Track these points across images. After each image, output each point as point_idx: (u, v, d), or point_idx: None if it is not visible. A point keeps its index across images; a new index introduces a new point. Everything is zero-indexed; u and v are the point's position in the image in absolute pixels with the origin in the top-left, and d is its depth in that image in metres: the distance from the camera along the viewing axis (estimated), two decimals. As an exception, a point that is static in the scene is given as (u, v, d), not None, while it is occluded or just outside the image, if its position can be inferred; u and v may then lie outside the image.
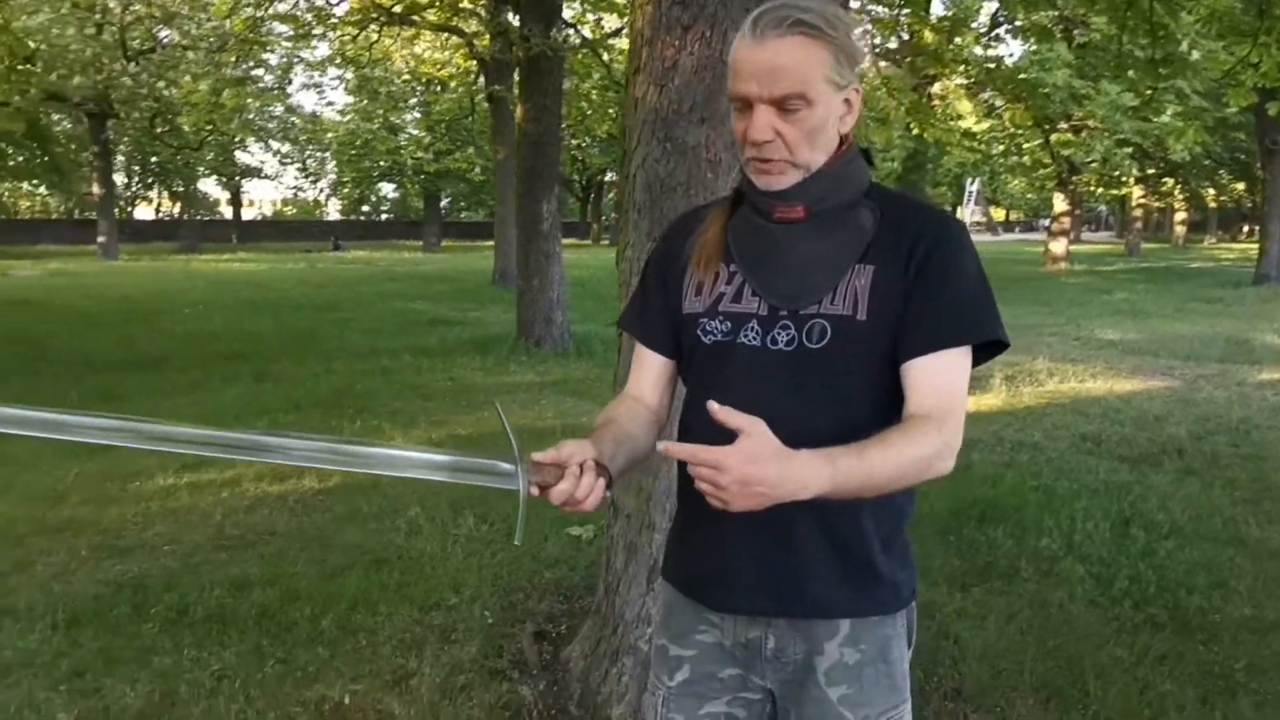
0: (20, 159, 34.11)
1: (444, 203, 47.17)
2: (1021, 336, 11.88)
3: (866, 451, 1.22)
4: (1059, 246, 28.95)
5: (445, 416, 7.44)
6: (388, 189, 52.20)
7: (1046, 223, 42.05)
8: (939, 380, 1.32)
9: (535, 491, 1.27)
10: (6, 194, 47.58)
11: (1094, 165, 28.17)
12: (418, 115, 37.63)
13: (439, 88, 31.46)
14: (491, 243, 23.15)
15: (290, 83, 38.35)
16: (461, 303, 16.23)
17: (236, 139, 37.84)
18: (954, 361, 1.33)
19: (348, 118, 37.52)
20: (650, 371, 1.53)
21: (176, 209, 53.30)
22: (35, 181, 40.36)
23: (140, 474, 5.73)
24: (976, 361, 1.37)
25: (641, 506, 3.01)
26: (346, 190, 49.60)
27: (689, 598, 1.51)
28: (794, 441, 1.18)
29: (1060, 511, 4.99)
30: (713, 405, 1.17)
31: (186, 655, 3.39)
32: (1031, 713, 3.04)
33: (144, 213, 53.21)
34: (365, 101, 35.25)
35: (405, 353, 10.52)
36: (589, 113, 28.15)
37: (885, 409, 1.36)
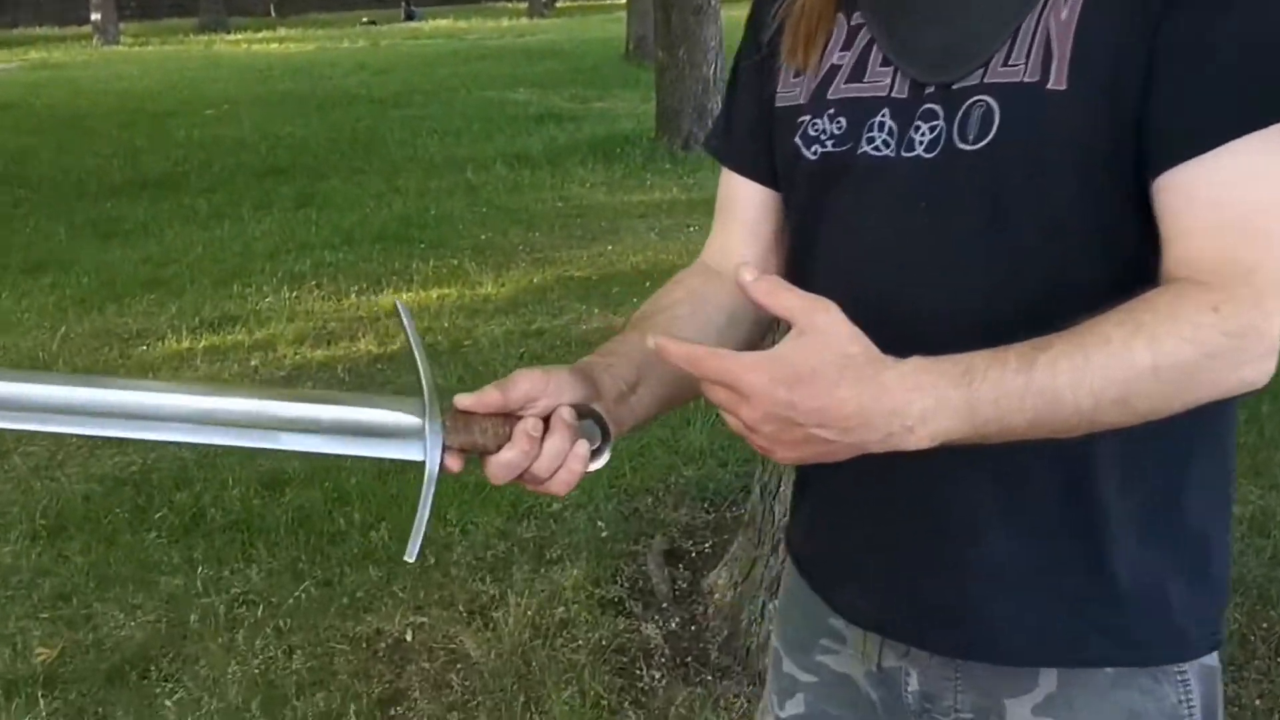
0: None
1: (558, -55, 46.65)
2: None
3: (1050, 352, 1.00)
4: None
5: (552, 252, 7.52)
6: (478, -71, 51.82)
7: None
8: (1229, 203, 1.05)
9: (455, 465, 1.10)
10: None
11: None
12: None
13: None
14: (623, 0, 22.87)
15: None
16: (579, 88, 16.16)
17: None
18: (1258, 166, 1.05)
19: None
20: (742, 213, 1.41)
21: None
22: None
23: (146, 335, 6.07)
24: None
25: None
26: (421, -66, 49.63)
27: (813, 589, 1.37)
28: (933, 337, 1.03)
29: None
30: (742, 277, 1.01)
31: (201, 574, 3.61)
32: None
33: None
34: None
35: (499, 162, 10.63)
36: None
37: (1107, 271, 1.12)
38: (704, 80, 10.57)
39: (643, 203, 9.04)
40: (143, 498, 4.15)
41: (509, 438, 1.11)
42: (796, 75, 1.29)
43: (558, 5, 39.74)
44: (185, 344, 5.89)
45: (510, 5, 43.54)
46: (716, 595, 3.32)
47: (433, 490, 1.09)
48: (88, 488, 4.26)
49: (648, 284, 6.57)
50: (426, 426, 1.10)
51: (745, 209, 1.40)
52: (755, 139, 1.37)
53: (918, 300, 1.15)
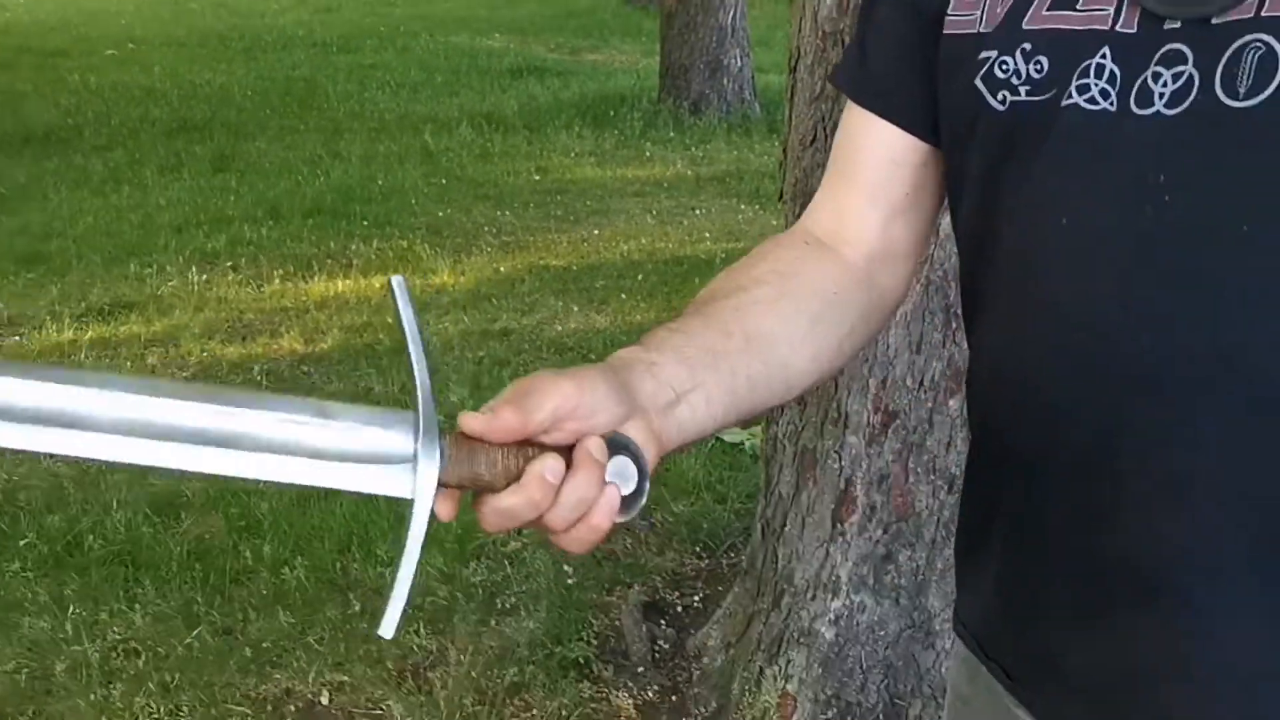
0: None
1: None
2: None
3: None
4: None
5: (525, 235, 7.55)
6: None
7: None
8: None
9: (448, 512, 1.00)
10: None
11: None
12: None
13: None
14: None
15: None
16: (567, 37, 16.21)
17: None
18: None
19: None
20: (869, 168, 1.33)
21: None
22: None
23: (20, 322, 6.09)
24: None
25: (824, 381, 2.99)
26: None
27: (1001, 683, 1.27)
28: (1196, 406, 0.99)
29: None
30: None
31: (72, 615, 3.61)
32: None
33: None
34: None
35: (464, 124, 10.67)
36: None
37: None
38: (720, 29, 10.65)
39: (639, 178, 9.09)
40: (5, 520, 4.15)
41: (519, 474, 1.00)
42: None
43: (547, -66, 39.77)
44: (68, 334, 5.91)
45: (488, -67, 43.61)
46: (705, 658, 3.34)
47: (423, 538, 0.97)
48: (-63, 506, 4.28)
49: (640, 277, 6.61)
50: (419, 453, 0.99)
51: (874, 162, 1.33)
52: (899, 70, 1.30)
53: (1157, 329, 1.03)
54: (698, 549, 3.99)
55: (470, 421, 1.00)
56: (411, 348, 1.01)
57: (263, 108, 11.49)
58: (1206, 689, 1.08)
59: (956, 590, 1.41)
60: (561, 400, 1.01)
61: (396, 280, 1.04)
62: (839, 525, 3.01)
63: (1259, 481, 1.01)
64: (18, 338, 5.91)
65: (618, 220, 7.87)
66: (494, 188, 8.70)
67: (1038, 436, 1.12)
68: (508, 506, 0.99)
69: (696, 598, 3.70)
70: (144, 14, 18.89)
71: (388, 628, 0.96)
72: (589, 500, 1.01)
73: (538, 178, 9.04)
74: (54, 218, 7.85)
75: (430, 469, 0.97)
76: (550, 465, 0.99)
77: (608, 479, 1.02)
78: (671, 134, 10.27)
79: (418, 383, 1.00)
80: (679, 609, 3.65)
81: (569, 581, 3.79)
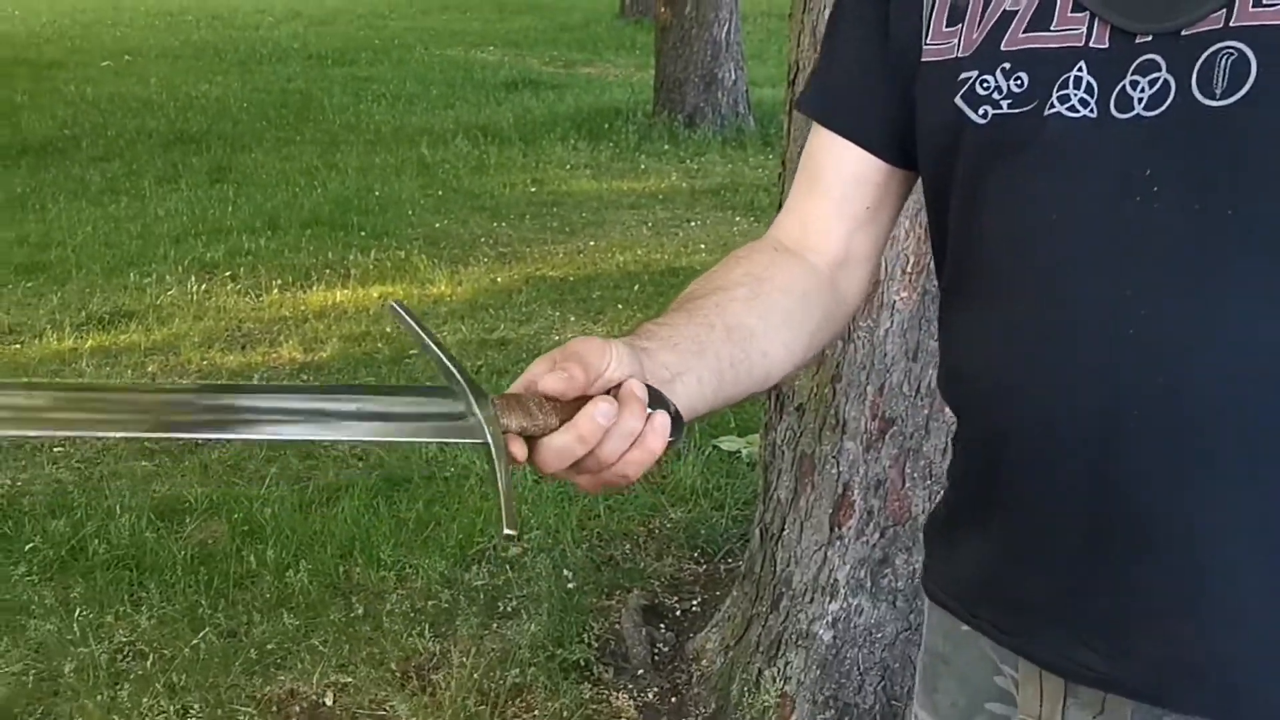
0: None
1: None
2: None
3: None
4: None
5: (521, 246, 7.60)
6: None
7: None
8: None
9: (520, 452, 1.11)
10: None
11: None
12: None
13: None
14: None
15: None
16: (562, 50, 16.31)
17: None
18: None
19: None
20: (834, 183, 1.43)
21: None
22: None
23: (20, 330, 6.14)
24: None
25: (821, 389, 3.03)
26: None
27: (991, 638, 1.37)
28: (1192, 366, 1.09)
29: None
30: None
31: (78, 618, 3.64)
32: None
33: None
34: None
35: (460, 136, 10.74)
36: None
37: None
38: (715, 43, 10.71)
39: (634, 190, 9.15)
40: (9, 525, 4.19)
41: (559, 421, 1.11)
42: (952, 23, 1.27)
43: (540, -52, 39.78)
44: (68, 342, 5.96)
45: (481, -55, 43.59)
46: (704, 661, 3.37)
47: (507, 473, 1.08)
48: (-57, 510, 4.32)
49: (636, 288, 6.66)
50: (474, 410, 1.10)
51: (838, 177, 1.43)
52: (862, 94, 1.40)
53: (1148, 307, 1.11)
54: (695, 555, 4.03)
55: (550, 382, 1.11)
56: (432, 349, 1.14)
57: (259, 119, 11.55)
58: (1208, 621, 1.17)
59: (928, 561, 1.49)
60: (586, 361, 1.12)
61: (396, 304, 1.19)
62: (836, 529, 3.05)
63: (1257, 452, 1.11)
64: (18, 345, 5.95)
65: (613, 232, 7.93)
66: (490, 199, 8.75)
67: (1037, 418, 1.19)
68: (562, 444, 1.10)
69: (695, 602, 3.74)
70: (139, 26, 18.98)
71: (510, 525, 1.08)
72: (635, 431, 1.11)
73: (533, 190, 9.10)
74: (53, 228, 7.89)
75: (489, 412, 1.09)
76: (604, 406, 1.10)
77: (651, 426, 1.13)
78: (666, 147, 10.33)
79: (453, 368, 1.12)
80: (678, 613, 3.69)
81: (569, 586, 3.83)
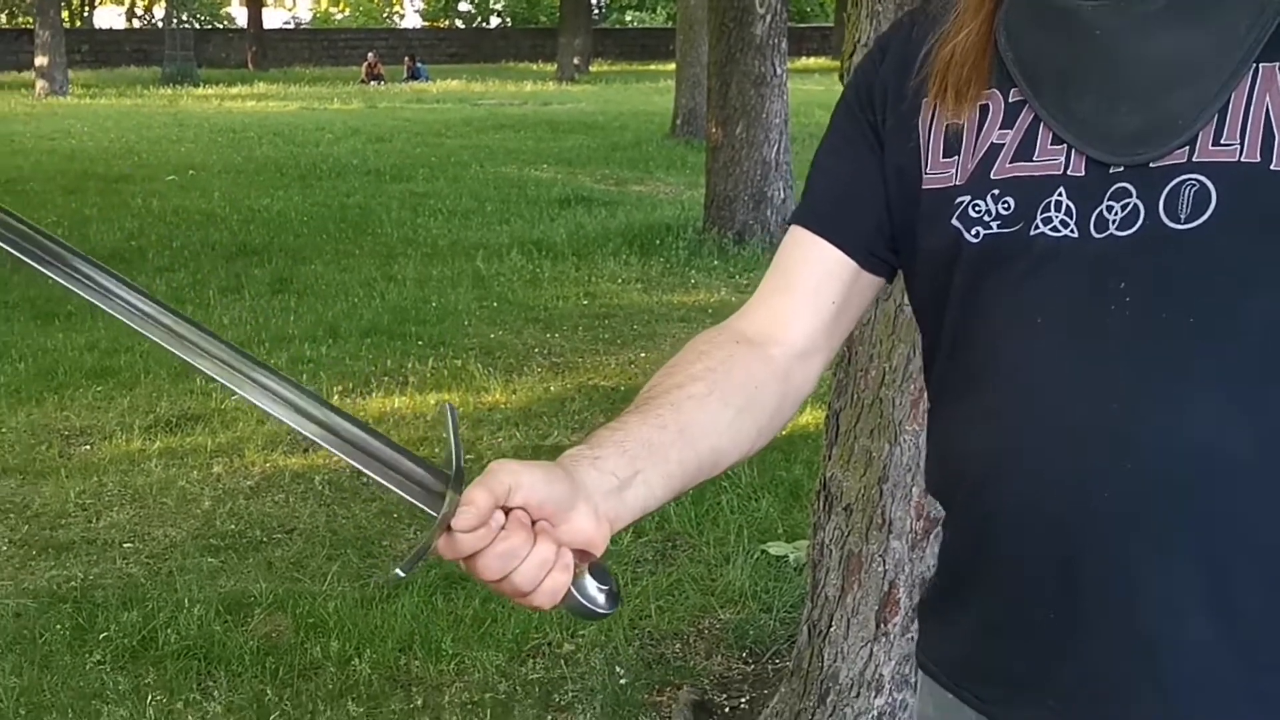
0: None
1: (595, -2, 47.62)
2: None
3: None
4: None
5: (574, 357, 7.75)
6: (500, -24, 53.03)
7: None
8: None
9: (440, 546, 1.22)
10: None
11: None
12: None
13: None
14: (672, 65, 23.29)
15: None
16: (614, 168, 16.55)
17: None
18: None
19: None
20: (807, 278, 1.53)
21: (159, 12, 56.14)
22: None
23: (91, 432, 6.32)
24: None
25: (869, 489, 3.15)
26: (431, -21, 50.80)
27: (973, 707, 1.48)
28: (1156, 455, 1.22)
29: None
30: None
31: (150, 705, 3.78)
32: None
33: (109, 17, 56.16)
34: None
35: (515, 250, 10.94)
36: None
37: None
38: (764, 163, 10.89)
39: (684, 304, 9.29)
40: (84, 616, 4.33)
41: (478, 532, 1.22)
42: (948, 154, 1.41)
43: (591, 69, 40.26)
44: (137, 444, 6.13)
45: (535, 67, 44.03)
46: (752, 755, 3.46)
47: (433, 532, 1.21)
48: (19, 603, 4.46)
49: (686, 397, 6.75)
50: (450, 490, 1.22)
51: (812, 274, 1.52)
52: (845, 205, 1.52)
53: (1122, 400, 1.24)
54: (744, 654, 4.11)
55: (462, 520, 1.20)
56: (450, 439, 1.28)
57: (319, 233, 11.81)
58: (1170, 693, 1.29)
59: (921, 632, 1.61)
60: (501, 481, 1.21)
61: (449, 407, 1.36)
62: (882, 625, 3.14)
63: (1221, 539, 1.24)
64: (88, 447, 6.13)
65: (664, 344, 8.03)
66: (544, 311, 8.91)
67: (1014, 502, 1.33)
68: (444, 544, 1.21)
69: (743, 700, 3.82)
70: (203, 142, 19.41)
71: (404, 570, 1.21)
72: (548, 561, 1.21)
73: (586, 302, 9.26)
74: (121, 334, 8.05)
75: (455, 500, 1.20)
76: (462, 518, 1.20)
77: (588, 590, 1.23)
78: (716, 262, 10.48)
79: (454, 457, 1.25)
80: (727, 710, 3.78)
81: (620, 681, 3.93)
